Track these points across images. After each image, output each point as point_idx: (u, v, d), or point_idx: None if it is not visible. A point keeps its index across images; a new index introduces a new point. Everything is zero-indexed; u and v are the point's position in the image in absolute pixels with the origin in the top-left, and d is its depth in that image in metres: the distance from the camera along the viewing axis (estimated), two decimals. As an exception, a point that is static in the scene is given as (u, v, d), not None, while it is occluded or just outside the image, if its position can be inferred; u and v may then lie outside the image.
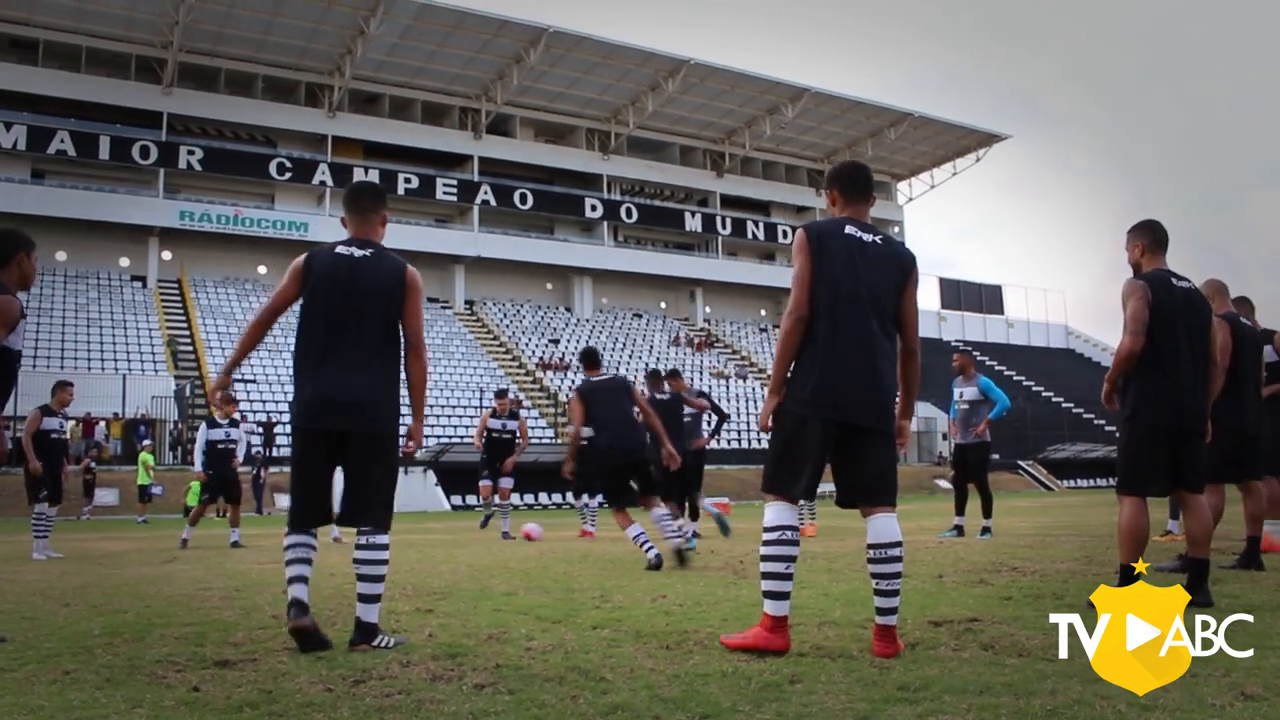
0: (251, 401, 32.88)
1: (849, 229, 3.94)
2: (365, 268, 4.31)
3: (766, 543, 3.80)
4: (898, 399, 4.02)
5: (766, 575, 3.79)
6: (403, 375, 4.37)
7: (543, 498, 31.45)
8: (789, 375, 3.92)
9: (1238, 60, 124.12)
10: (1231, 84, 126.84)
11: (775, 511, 3.83)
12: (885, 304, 3.88)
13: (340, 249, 4.39)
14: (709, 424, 12.61)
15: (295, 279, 4.41)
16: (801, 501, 3.95)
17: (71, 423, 29.06)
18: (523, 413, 16.95)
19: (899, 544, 3.79)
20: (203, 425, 13.00)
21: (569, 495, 31.84)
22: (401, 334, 4.35)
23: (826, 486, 4.01)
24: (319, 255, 4.42)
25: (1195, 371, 4.92)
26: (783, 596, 3.76)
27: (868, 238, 3.93)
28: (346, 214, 4.53)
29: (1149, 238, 5.07)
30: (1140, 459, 4.87)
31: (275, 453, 30.21)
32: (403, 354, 4.36)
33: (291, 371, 4.34)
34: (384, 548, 4.19)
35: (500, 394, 13.93)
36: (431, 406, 35.57)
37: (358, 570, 4.17)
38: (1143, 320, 4.81)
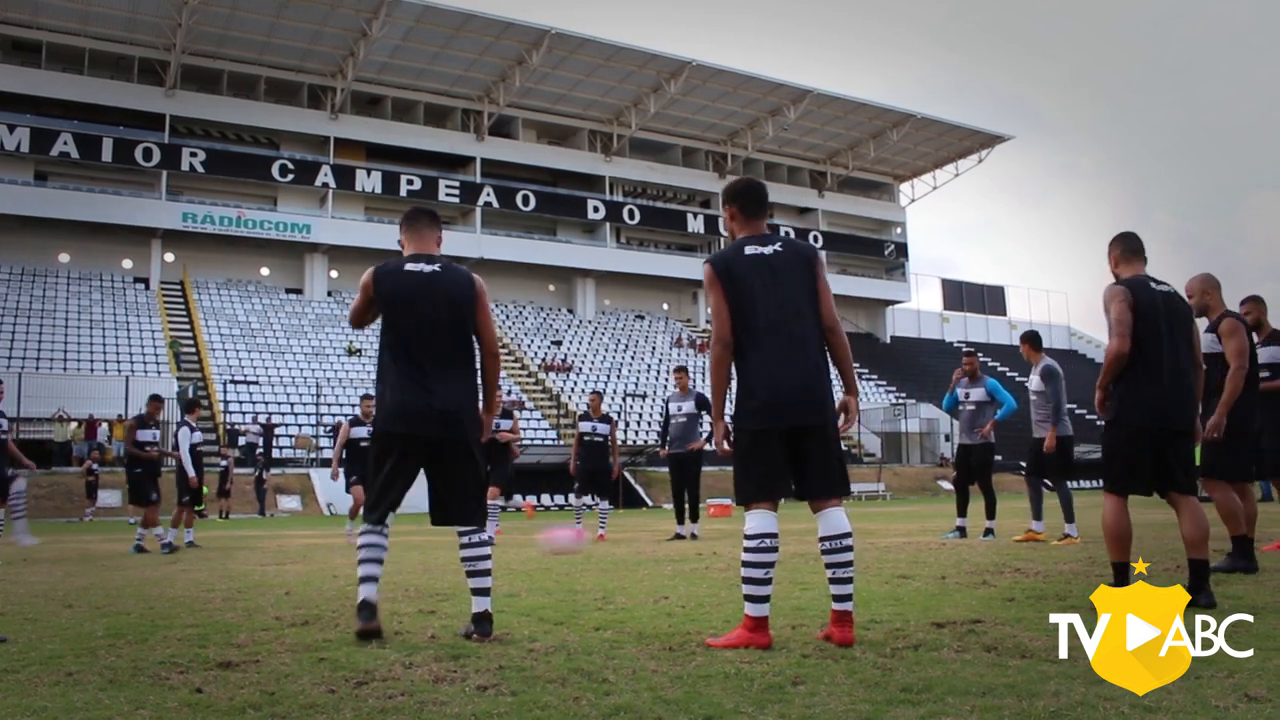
0: (254, 403, 32.92)
1: (749, 249, 4.19)
2: (439, 282, 4.50)
3: (747, 549, 4.03)
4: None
5: (747, 580, 4.01)
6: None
7: (545, 499, 31.45)
8: (738, 395, 4.18)
9: (1239, 62, 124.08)
10: (1233, 86, 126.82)
11: (756, 520, 4.04)
12: (803, 304, 4.12)
13: (409, 266, 4.55)
14: (704, 428, 12.53)
15: (365, 295, 4.60)
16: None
17: (74, 424, 29.19)
18: (524, 414, 16.75)
19: (849, 534, 4.02)
20: (134, 426, 12.49)
21: (570, 496, 31.89)
22: (475, 340, 4.59)
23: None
24: (388, 272, 4.56)
25: (1178, 373, 4.96)
26: (763, 600, 3.96)
27: (768, 249, 4.18)
28: (404, 234, 4.73)
29: (1121, 246, 5.22)
30: (1121, 459, 4.96)
31: (277, 454, 30.23)
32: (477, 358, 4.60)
33: (376, 382, 4.60)
34: (487, 544, 4.44)
35: None
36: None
37: (469, 567, 4.38)
38: (1128, 323, 4.90)
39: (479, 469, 4.52)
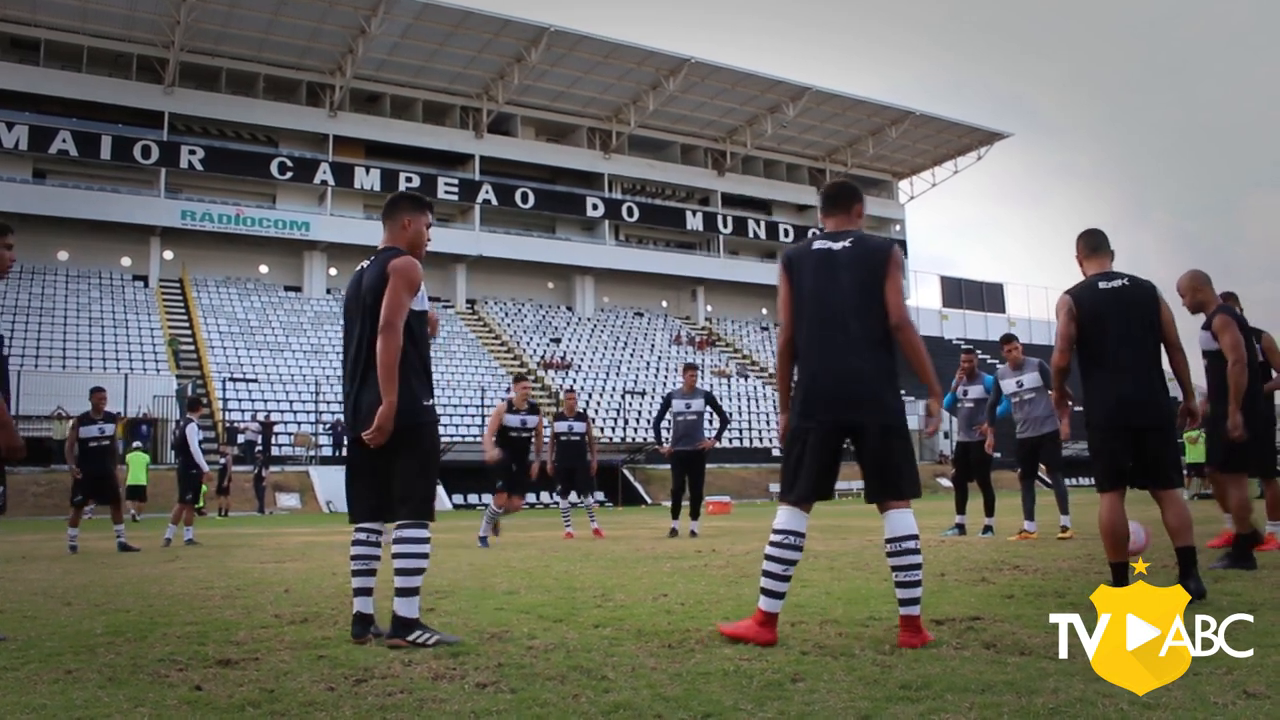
0: (253, 400, 32.92)
1: (818, 244, 4.17)
2: (366, 275, 4.42)
3: (771, 543, 3.99)
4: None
5: (766, 574, 3.97)
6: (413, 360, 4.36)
7: (544, 496, 31.44)
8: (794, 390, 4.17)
9: (1237, 61, 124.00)
10: (1231, 85, 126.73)
11: (783, 516, 4.01)
12: (865, 302, 4.02)
13: (361, 265, 4.52)
14: (711, 426, 12.47)
15: None
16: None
17: (72, 422, 29.13)
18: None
19: (913, 537, 3.89)
20: (76, 424, 11.94)
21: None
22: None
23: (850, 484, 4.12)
24: (350, 280, 4.56)
25: (1140, 367, 4.95)
26: (777, 595, 3.94)
27: (838, 245, 4.12)
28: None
29: (1082, 244, 5.28)
30: (1105, 459, 4.99)
31: (276, 452, 30.20)
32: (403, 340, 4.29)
33: None
34: (417, 540, 4.18)
35: (518, 379, 11.84)
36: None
37: (394, 564, 4.20)
38: (1067, 336, 5.07)
39: (412, 460, 4.24)
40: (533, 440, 11.75)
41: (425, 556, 4.20)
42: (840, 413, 3.97)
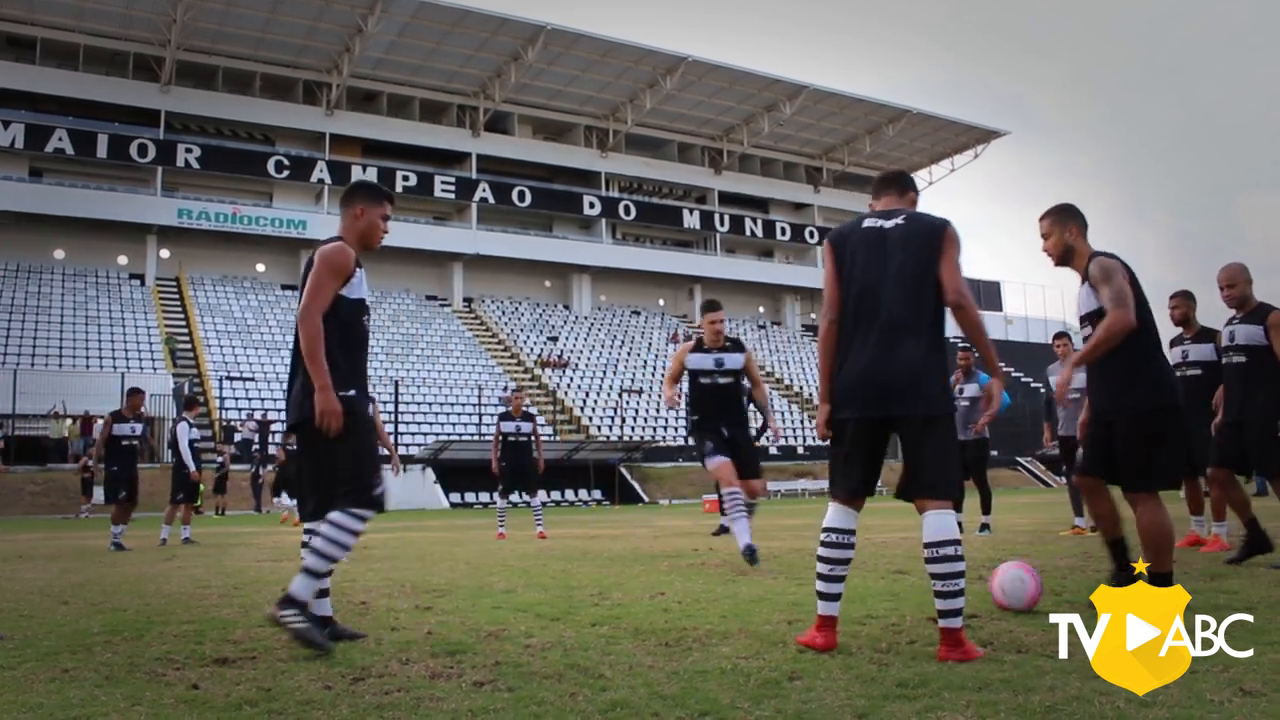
0: (250, 399, 32.87)
1: (867, 222, 3.94)
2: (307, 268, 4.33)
3: (820, 543, 3.82)
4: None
5: (817, 575, 3.80)
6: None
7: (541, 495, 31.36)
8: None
9: (1236, 61, 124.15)
10: (1230, 85, 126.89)
11: (829, 514, 3.84)
12: (915, 284, 3.74)
13: None
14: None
15: None
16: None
17: (69, 421, 29.10)
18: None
19: (952, 541, 3.58)
20: (110, 421, 12.01)
21: (575, 492, 31.92)
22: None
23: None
24: None
25: None
26: (825, 597, 3.74)
27: (889, 224, 3.89)
28: None
29: (1082, 219, 4.76)
30: (1179, 448, 4.55)
31: (274, 451, 30.15)
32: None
33: None
34: (345, 528, 4.00)
35: (711, 307, 7.61)
36: (430, 404, 35.50)
37: (312, 541, 4.07)
38: (1132, 297, 4.51)
39: (327, 450, 4.11)
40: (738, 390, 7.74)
41: (347, 547, 4.05)
42: (877, 406, 3.71)
